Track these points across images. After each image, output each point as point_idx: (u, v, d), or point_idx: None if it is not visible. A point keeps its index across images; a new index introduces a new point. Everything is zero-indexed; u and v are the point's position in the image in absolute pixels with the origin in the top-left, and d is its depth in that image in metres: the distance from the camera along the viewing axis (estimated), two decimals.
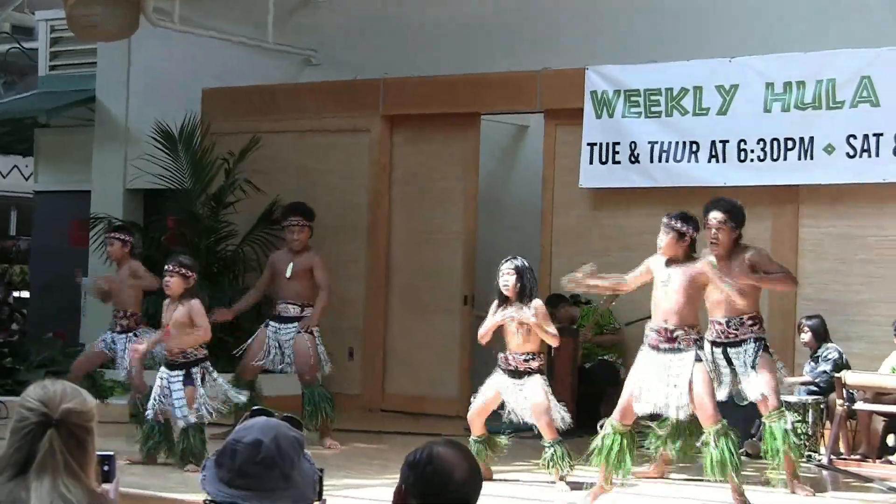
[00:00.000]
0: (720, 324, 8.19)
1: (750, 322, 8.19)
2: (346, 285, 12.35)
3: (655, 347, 7.60)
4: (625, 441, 7.70)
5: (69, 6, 11.09)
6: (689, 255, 7.66)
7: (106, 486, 3.20)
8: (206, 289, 11.65)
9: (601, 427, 7.83)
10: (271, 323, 10.00)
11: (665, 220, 7.69)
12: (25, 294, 17.80)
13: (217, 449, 2.95)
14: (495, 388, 8.33)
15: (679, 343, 7.52)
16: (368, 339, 12.52)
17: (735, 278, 7.91)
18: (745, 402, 8.37)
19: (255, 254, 12.60)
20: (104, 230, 12.81)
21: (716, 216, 8.17)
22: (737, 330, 8.13)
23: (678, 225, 7.61)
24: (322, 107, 12.89)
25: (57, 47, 15.06)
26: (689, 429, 8.13)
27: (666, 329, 7.55)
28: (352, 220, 12.62)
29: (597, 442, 7.74)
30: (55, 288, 14.77)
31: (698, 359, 7.51)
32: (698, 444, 7.80)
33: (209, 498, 2.81)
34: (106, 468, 3.27)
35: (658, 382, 7.56)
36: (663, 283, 7.60)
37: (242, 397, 8.85)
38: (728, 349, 8.17)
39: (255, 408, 2.96)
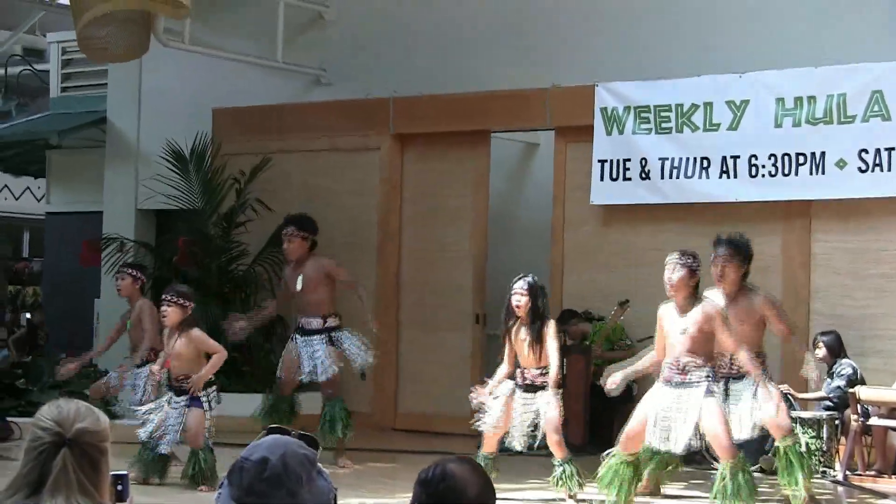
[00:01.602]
0: (724, 357, 8.13)
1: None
2: (356, 303, 12.34)
3: (668, 381, 7.59)
4: (629, 470, 7.68)
5: (80, 28, 11.13)
6: (696, 296, 7.63)
7: None
8: (217, 309, 11.69)
9: (606, 456, 7.81)
10: (297, 337, 9.97)
11: (673, 257, 7.66)
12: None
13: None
14: (509, 404, 8.27)
15: (690, 376, 7.49)
16: (380, 357, 12.48)
17: (740, 318, 7.99)
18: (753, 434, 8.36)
19: (266, 273, 12.60)
20: (117, 250, 12.89)
21: (722, 252, 8.16)
22: (740, 365, 8.10)
23: (690, 261, 7.61)
24: (332, 126, 12.91)
25: (68, 69, 15.14)
26: (663, 455, 8.11)
27: (679, 362, 7.53)
28: (362, 238, 12.62)
29: (602, 472, 7.72)
30: (68, 309, 14.80)
31: (710, 393, 7.47)
32: (715, 477, 7.72)
33: None
34: (119, 488, 3.27)
35: (669, 416, 7.52)
36: (675, 332, 7.57)
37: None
38: (730, 383, 8.14)
39: (271, 426, 2.96)
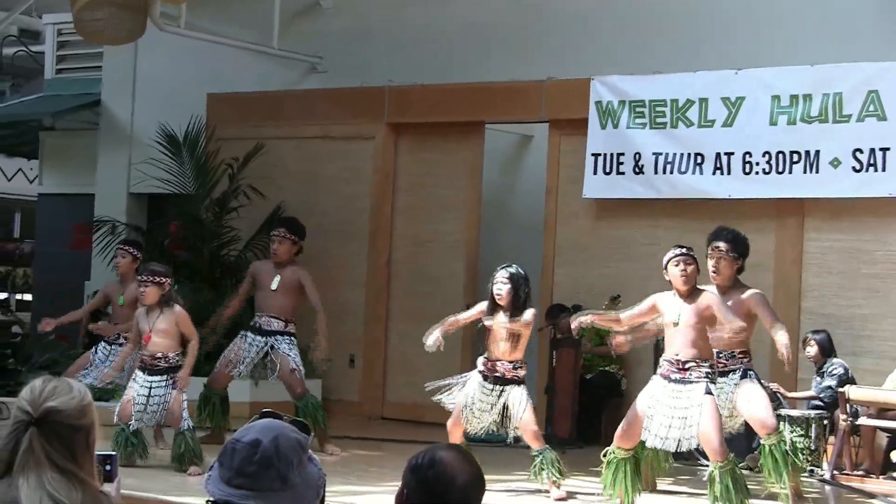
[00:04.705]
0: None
1: (741, 356, 8.21)
2: (346, 292, 12.34)
3: (666, 377, 7.57)
4: (629, 466, 7.69)
5: (76, 10, 11.09)
6: (696, 287, 7.65)
7: (107, 486, 3.19)
8: (208, 293, 11.69)
9: (604, 456, 7.82)
10: (248, 334, 9.94)
11: (681, 252, 7.66)
12: (28, 297, 17.81)
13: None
14: (474, 395, 8.25)
15: (690, 374, 7.49)
16: (369, 346, 12.49)
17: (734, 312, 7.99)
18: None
19: (257, 259, 12.58)
20: (108, 233, 12.86)
21: (719, 245, 8.16)
22: (726, 361, 8.11)
23: (694, 254, 7.67)
24: (327, 113, 12.89)
25: (63, 51, 15.09)
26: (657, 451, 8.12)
27: (678, 360, 7.53)
28: (354, 226, 12.61)
29: (604, 472, 7.74)
30: (58, 291, 14.76)
31: (708, 391, 7.46)
32: (705, 478, 7.72)
33: (210, 498, 2.80)
34: (108, 468, 3.27)
35: (666, 414, 7.52)
36: (674, 323, 7.57)
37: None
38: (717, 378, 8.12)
39: (264, 410, 2.96)
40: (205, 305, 10.92)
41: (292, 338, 9.88)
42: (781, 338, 7.97)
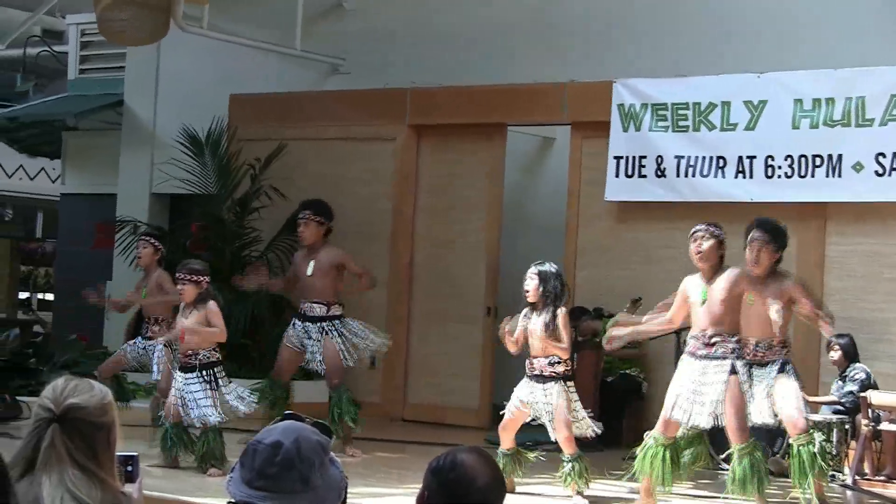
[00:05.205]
0: (748, 344, 8.12)
1: (779, 347, 8.15)
2: (368, 293, 12.33)
3: (693, 354, 7.62)
4: (668, 453, 7.69)
5: (100, 10, 11.14)
6: (721, 268, 7.68)
7: (129, 486, 3.20)
8: (229, 294, 11.70)
9: (645, 437, 7.84)
10: (297, 322, 9.95)
11: (699, 227, 7.71)
12: (49, 296, 17.87)
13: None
14: (522, 400, 8.24)
15: (716, 349, 7.51)
16: (390, 347, 12.46)
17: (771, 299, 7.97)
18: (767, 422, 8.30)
19: (279, 260, 12.61)
20: (130, 233, 12.91)
21: (759, 236, 8.15)
22: (764, 352, 8.07)
23: (718, 231, 7.69)
24: (348, 115, 12.90)
25: (86, 51, 15.16)
26: (700, 438, 8.10)
27: (704, 334, 7.56)
28: (375, 228, 12.61)
29: (639, 454, 7.74)
30: (80, 290, 14.81)
31: (734, 370, 7.47)
32: (721, 457, 7.74)
33: (231, 500, 2.80)
34: (129, 469, 3.28)
35: (692, 390, 7.55)
36: (700, 303, 7.60)
37: (243, 408, 8.76)
38: (753, 369, 8.10)
39: (287, 412, 2.96)
40: (226, 305, 10.93)
41: (334, 322, 9.84)
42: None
